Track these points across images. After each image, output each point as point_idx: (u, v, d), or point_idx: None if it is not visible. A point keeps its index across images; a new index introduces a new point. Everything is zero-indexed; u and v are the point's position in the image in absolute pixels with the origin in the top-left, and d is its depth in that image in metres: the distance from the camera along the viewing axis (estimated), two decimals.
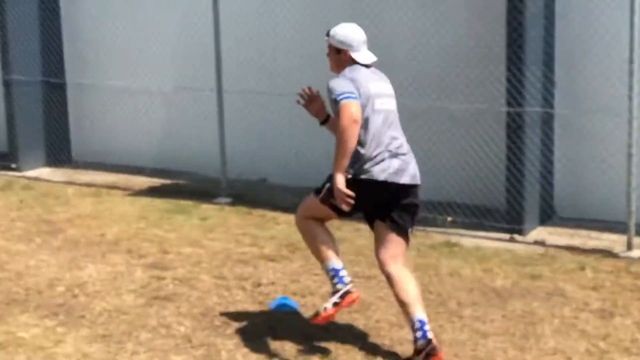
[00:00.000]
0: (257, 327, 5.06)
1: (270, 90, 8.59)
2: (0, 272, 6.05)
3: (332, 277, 4.67)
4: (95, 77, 9.85)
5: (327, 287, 5.71)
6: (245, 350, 4.72)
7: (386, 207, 4.64)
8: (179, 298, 5.55)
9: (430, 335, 4.42)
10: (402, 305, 4.53)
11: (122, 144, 9.81)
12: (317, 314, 4.65)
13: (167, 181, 9.19)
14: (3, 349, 4.70)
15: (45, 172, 9.83)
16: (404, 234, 4.67)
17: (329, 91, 4.57)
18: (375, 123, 4.56)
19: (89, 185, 9.06)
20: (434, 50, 7.69)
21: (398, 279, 4.58)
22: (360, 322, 5.10)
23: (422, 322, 4.43)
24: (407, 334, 4.63)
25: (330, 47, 4.79)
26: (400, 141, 4.66)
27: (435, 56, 7.71)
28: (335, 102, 4.51)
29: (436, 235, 6.91)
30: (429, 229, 6.94)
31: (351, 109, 4.43)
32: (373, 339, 4.86)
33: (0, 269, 6.14)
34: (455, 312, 5.24)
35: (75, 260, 6.39)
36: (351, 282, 4.66)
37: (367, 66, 4.75)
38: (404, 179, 4.59)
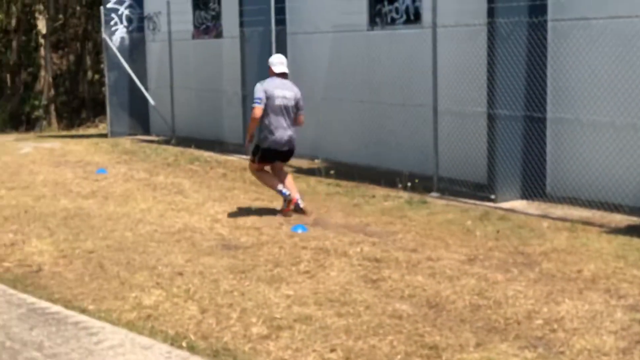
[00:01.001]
0: None
1: None
2: (481, 300, 6.27)
3: (280, 193, 9.29)
4: (577, 111, 9.80)
5: None
6: None
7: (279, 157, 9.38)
8: None
9: (288, 195, 9.24)
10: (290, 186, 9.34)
11: (600, 179, 9.59)
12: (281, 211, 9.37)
13: None
14: None
15: (519, 204, 10.00)
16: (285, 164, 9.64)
17: (253, 91, 9.10)
18: (271, 113, 9.02)
19: (563, 219, 9.02)
20: None
21: (287, 179, 9.41)
22: None
23: (285, 194, 9.23)
24: None
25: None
26: (285, 125, 9.12)
27: None
28: (252, 102, 9.07)
29: None
30: None
31: (255, 112, 8.95)
32: None
33: (480, 296, 6.36)
34: None
35: (551, 294, 6.38)
36: (290, 194, 9.20)
37: (283, 75, 9.19)
38: (285, 148, 9.25)
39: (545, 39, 10.01)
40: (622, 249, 7.64)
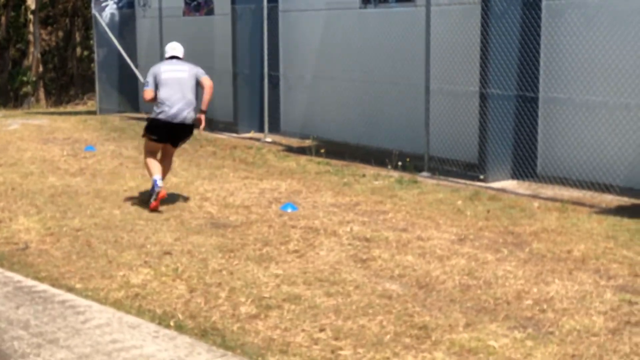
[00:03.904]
0: None
1: None
2: (471, 280, 6.24)
3: (153, 184, 8.51)
4: (570, 91, 9.75)
5: None
6: None
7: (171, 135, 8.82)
8: None
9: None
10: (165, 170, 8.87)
11: (591, 159, 9.57)
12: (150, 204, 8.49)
13: (638, 201, 8.75)
14: (474, 355, 4.83)
15: (510, 184, 9.98)
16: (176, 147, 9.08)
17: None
18: (161, 89, 8.67)
19: (553, 199, 9.00)
20: None
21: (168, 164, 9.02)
22: None
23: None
24: None
25: None
26: (178, 97, 8.67)
27: None
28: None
29: None
30: None
31: (145, 95, 8.82)
32: None
33: (470, 276, 6.33)
34: None
35: (541, 274, 6.36)
36: (162, 186, 8.48)
37: (176, 58, 9.04)
38: (176, 120, 8.69)
39: (540, 18, 9.95)
40: (612, 230, 7.63)
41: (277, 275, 6.36)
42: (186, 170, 10.94)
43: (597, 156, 9.52)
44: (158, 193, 8.43)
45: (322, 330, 5.24)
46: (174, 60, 8.99)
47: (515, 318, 5.43)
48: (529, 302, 5.73)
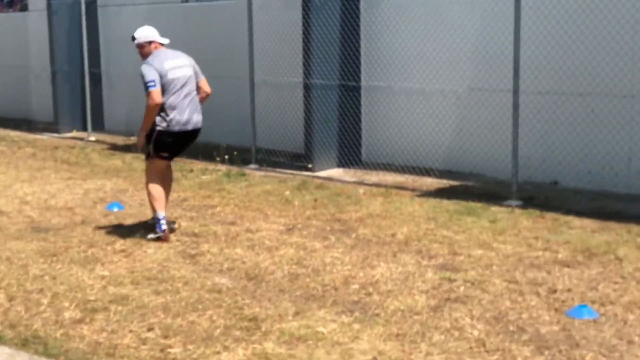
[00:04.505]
0: (554, 335, 4.85)
1: (569, 91, 8.28)
2: (299, 268, 6.32)
3: (157, 222, 7.15)
4: (389, 79, 10.05)
5: (629, 296, 5.43)
6: (542, 358, 4.55)
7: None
8: (471, 301, 5.47)
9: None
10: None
11: (412, 145, 9.91)
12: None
13: (456, 183, 9.15)
14: (304, 342, 4.89)
15: (336, 172, 10.17)
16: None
17: (141, 76, 6.93)
18: (168, 92, 6.97)
19: (378, 185, 9.25)
20: None
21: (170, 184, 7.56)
22: None
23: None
24: None
25: (140, 44, 7.14)
26: (187, 99, 7.11)
27: None
28: (146, 87, 6.88)
29: None
30: None
31: (154, 98, 6.88)
32: None
33: (299, 265, 6.40)
34: None
35: (367, 259, 6.52)
36: (167, 229, 7.14)
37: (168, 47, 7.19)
38: (190, 127, 7.21)
39: (359, 8, 10.18)
40: (433, 211, 7.93)
41: (103, 277, 6.18)
42: (4, 173, 10.43)
43: (417, 141, 9.87)
44: (160, 237, 7.08)
45: (150, 329, 5.14)
46: (170, 52, 7.19)
47: (343, 303, 5.54)
48: (356, 286, 5.86)
